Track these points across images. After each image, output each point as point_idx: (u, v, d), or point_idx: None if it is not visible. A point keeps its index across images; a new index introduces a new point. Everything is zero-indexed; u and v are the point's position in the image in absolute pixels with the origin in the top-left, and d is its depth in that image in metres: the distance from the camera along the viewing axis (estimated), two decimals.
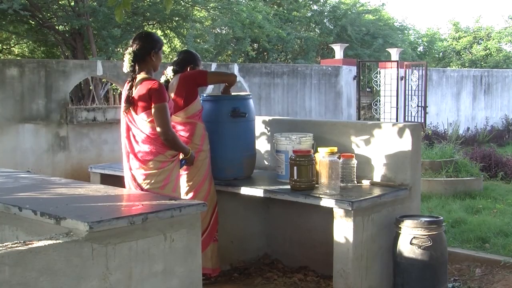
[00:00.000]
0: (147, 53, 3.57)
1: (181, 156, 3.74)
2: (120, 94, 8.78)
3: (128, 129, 3.59)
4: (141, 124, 3.53)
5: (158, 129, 3.48)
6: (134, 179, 3.57)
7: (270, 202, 4.73)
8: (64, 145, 6.94)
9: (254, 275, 4.52)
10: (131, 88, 3.58)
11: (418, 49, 22.66)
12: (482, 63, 23.63)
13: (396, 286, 3.85)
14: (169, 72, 4.21)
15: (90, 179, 5.11)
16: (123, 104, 3.62)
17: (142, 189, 3.52)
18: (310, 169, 3.93)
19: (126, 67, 3.58)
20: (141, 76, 3.56)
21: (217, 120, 4.33)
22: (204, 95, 4.49)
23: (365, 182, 4.12)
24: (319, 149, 4.06)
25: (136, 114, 3.53)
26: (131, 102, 3.55)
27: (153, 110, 3.47)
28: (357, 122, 5.01)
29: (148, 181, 3.53)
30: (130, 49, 3.58)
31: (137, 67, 3.57)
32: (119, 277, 2.38)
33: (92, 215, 2.40)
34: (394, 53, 13.80)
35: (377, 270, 3.85)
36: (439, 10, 61.48)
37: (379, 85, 12.52)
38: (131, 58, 3.55)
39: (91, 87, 10.61)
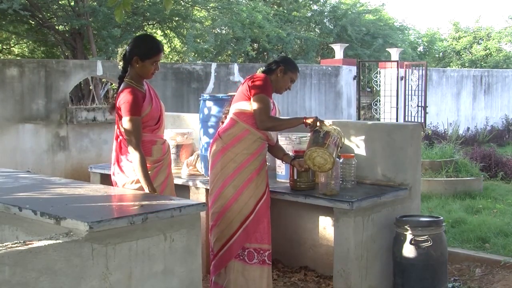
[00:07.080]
0: (130, 57, 3.36)
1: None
2: None
3: (116, 130, 3.49)
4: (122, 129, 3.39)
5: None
6: (116, 185, 3.46)
7: (270, 202, 4.72)
8: (64, 145, 6.94)
9: None
10: (117, 91, 3.47)
11: (418, 49, 22.66)
12: (482, 63, 23.62)
13: (396, 286, 3.85)
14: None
15: (90, 179, 5.11)
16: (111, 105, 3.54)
17: None
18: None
19: (119, 65, 3.48)
20: (125, 82, 3.39)
21: (217, 120, 4.32)
22: (204, 95, 4.47)
23: (365, 182, 4.12)
24: None
25: (120, 118, 3.41)
26: (115, 105, 3.44)
27: (122, 122, 3.31)
28: (357, 122, 5.01)
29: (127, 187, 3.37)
30: (124, 48, 3.45)
31: (129, 69, 3.41)
32: (119, 277, 2.38)
33: (92, 215, 2.40)
34: (394, 53, 13.81)
35: (377, 270, 3.85)
36: (439, 10, 61.49)
37: (379, 85, 12.52)
38: (120, 57, 3.42)
39: (91, 87, 10.60)
